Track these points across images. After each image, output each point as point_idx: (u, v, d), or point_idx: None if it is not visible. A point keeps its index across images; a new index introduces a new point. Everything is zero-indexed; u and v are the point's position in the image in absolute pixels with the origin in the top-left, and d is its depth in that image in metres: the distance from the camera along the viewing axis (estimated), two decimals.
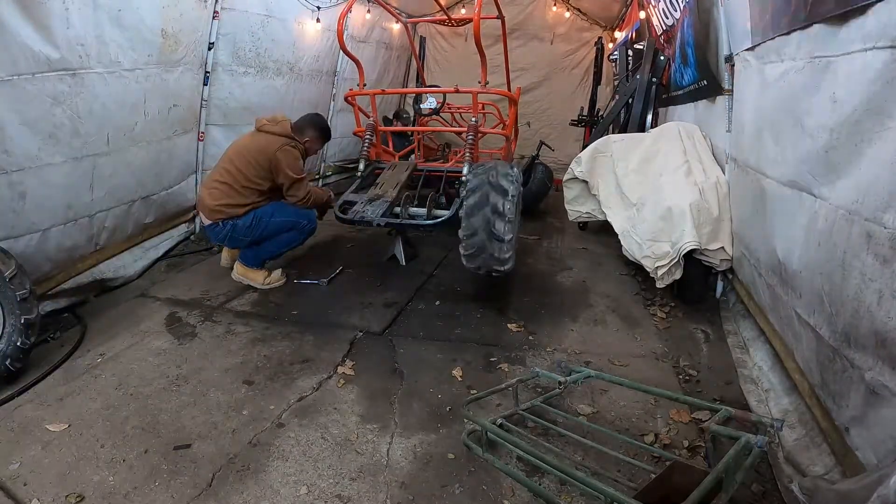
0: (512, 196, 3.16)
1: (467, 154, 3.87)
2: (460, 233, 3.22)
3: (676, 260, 3.25)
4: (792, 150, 2.30)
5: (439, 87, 5.21)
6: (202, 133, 4.42)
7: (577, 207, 4.60)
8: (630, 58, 6.41)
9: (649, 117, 5.46)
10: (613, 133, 5.49)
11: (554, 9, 8.26)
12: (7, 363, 2.43)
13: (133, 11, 3.24)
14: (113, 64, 3.16)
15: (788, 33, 2.28)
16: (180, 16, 3.70)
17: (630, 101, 5.58)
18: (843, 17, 1.82)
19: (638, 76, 5.55)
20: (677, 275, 3.32)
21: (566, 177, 4.58)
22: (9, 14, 2.52)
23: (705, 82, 3.81)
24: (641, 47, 5.82)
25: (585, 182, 4.47)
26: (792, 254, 2.24)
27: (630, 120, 5.50)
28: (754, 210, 2.81)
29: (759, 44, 2.71)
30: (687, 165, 3.65)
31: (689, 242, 3.19)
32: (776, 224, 2.46)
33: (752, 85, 2.90)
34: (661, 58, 5.23)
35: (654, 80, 5.36)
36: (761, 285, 2.73)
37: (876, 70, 1.64)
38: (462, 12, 7.76)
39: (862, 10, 1.70)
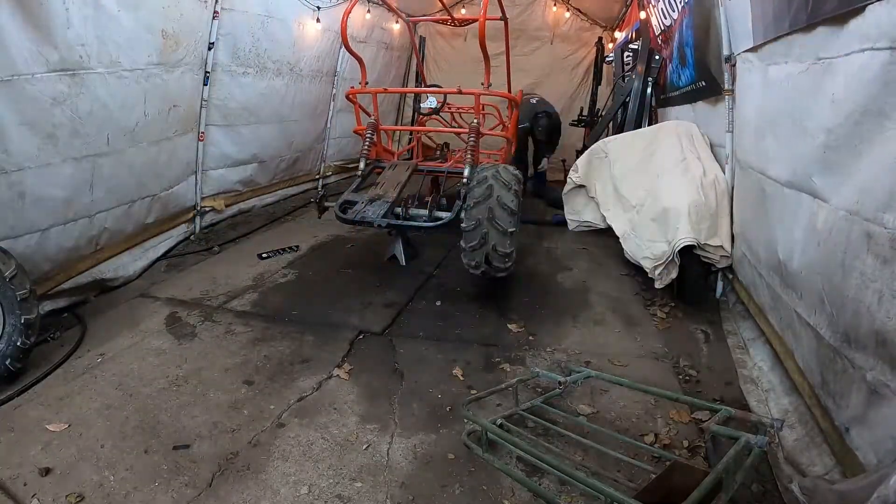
0: (515, 190, 3.23)
1: (468, 155, 3.87)
2: (462, 225, 3.24)
3: (671, 257, 3.26)
4: (792, 151, 2.30)
5: (440, 87, 5.22)
6: (202, 133, 4.42)
7: (574, 217, 4.59)
8: (629, 57, 6.41)
9: (645, 118, 5.46)
10: (610, 135, 5.49)
11: (554, 9, 8.25)
12: (7, 363, 2.43)
13: (133, 11, 3.23)
14: (113, 64, 3.15)
15: (790, 34, 2.28)
16: (180, 16, 3.70)
17: (627, 101, 5.59)
18: (843, 18, 1.82)
19: (634, 77, 5.55)
20: (674, 273, 3.33)
21: (566, 188, 4.59)
22: (7, 15, 2.52)
23: (703, 83, 3.80)
24: (636, 47, 5.83)
25: (583, 187, 4.48)
26: (792, 254, 2.24)
27: (626, 121, 5.50)
28: (755, 209, 2.81)
29: (760, 44, 2.71)
30: (685, 162, 3.66)
31: (683, 239, 3.20)
32: (776, 224, 2.47)
33: (754, 85, 2.90)
34: (657, 58, 5.23)
35: (649, 80, 5.36)
36: (762, 285, 2.73)
37: (874, 71, 1.64)
38: (463, 12, 7.75)
39: (861, 11, 1.70)
